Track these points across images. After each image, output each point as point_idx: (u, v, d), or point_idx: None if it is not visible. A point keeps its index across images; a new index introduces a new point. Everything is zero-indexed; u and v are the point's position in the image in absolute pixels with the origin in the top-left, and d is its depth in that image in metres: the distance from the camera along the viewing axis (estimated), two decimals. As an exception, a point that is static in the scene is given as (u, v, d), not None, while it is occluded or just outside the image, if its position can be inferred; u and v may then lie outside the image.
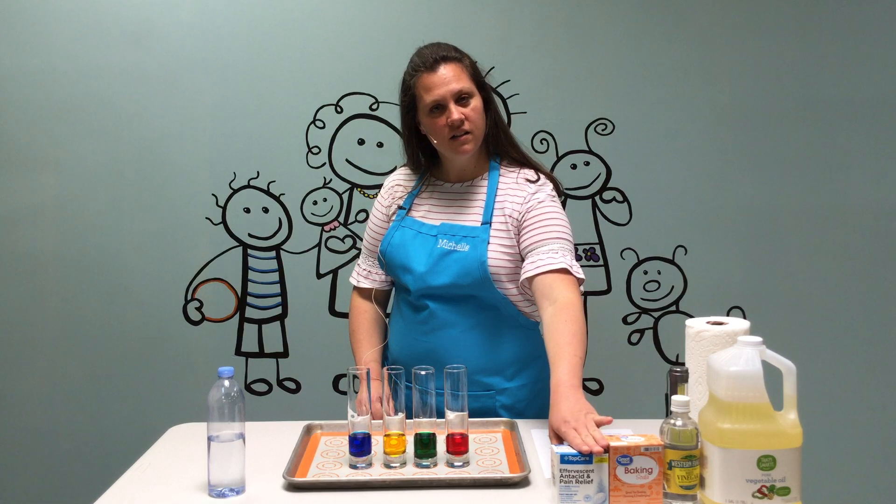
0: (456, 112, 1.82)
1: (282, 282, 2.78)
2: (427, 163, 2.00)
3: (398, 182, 2.04)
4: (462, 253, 1.86)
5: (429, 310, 1.89)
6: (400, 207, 1.99)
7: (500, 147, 1.96)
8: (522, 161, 1.96)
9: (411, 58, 1.90)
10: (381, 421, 1.61)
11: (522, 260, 1.86)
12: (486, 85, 1.91)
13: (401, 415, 1.60)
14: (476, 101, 1.86)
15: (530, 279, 1.81)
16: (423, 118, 1.88)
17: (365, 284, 2.06)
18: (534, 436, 1.74)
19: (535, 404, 1.94)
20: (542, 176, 1.93)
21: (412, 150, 1.98)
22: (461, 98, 1.84)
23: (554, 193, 1.91)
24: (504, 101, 2.71)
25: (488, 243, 1.85)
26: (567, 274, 1.78)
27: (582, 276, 1.81)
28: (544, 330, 1.76)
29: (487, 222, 1.88)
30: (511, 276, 1.87)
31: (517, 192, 1.90)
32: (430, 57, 1.84)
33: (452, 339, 1.88)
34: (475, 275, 1.84)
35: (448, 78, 1.83)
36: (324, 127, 2.74)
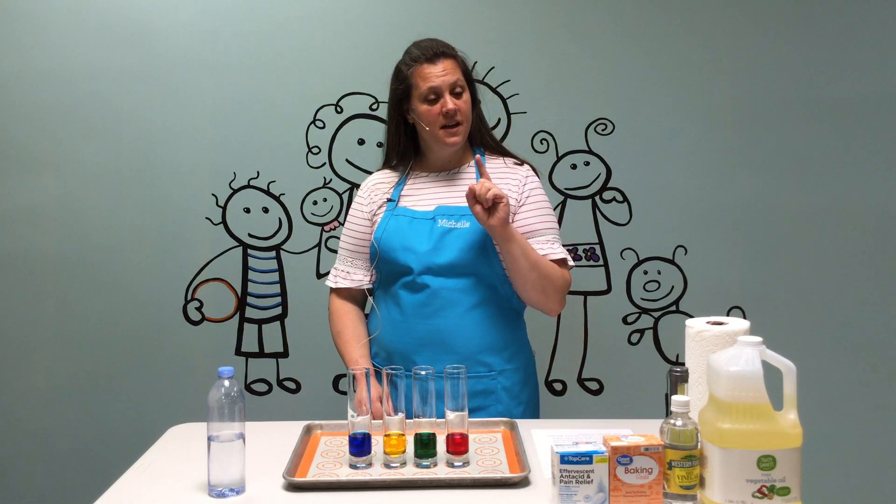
0: (451, 102, 1.93)
1: (282, 282, 2.78)
2: (409, 157, 2.08)
3: (379, 181, 2.11)
4: (464, 229, 1.93)
5: (430, 289, 1.93)
6: (389, 200, 2.03)
7: (483, 140, 2.08)
8: (501, 152, 2.09)
9: (408, 49, 2.01)
10: (381, 421, 1.61)
11: None
12: (473, 81, 2.04)
13: (401, 415, 1.60)
14: (467, 96, 1.98)
15: None
16: (416, 105, 1.97)
17: (344, 285, 2.09)
18: (534, 436, 1.75)
19: (527, 390, 2.03)
20: (524, 162, 2.07)
21: (398, 139, 2.06)
22: (455, 90, 1.95)
23: (539, 181, 2.06)
24: (504, 101, 2.71)
25: None
26: (562, 264, 1.96)
27: (573, 263, 2.00)
28: None
29: None
30: None
31: (509, 173, 2.01)
32: (431, 50, 1.96)
33: (456, 317, 1.93)
34: (479, 248, 1.91)
35: (446, 71, 1.95)
36: (324, 127, 2.74)
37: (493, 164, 2.03)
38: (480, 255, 1.92)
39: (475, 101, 2.03)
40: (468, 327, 1.93)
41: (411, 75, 1.97)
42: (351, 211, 2.11)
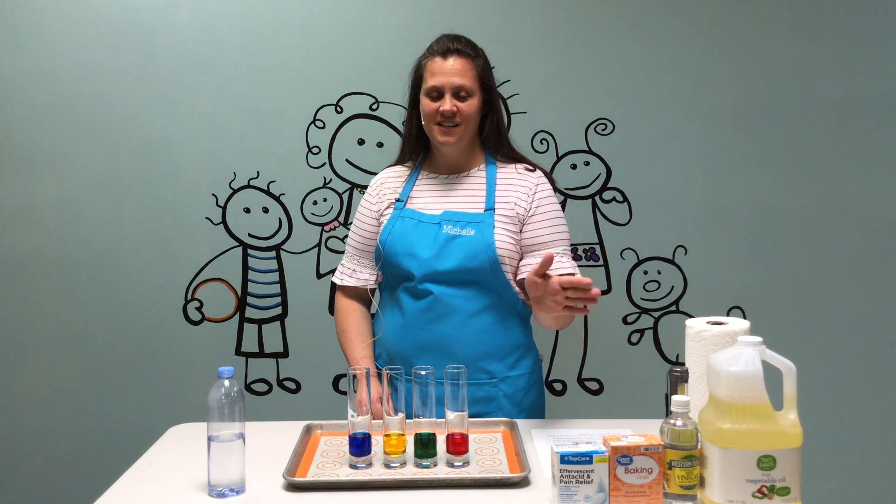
0: (449, 103, 1.91)
1: (282, 282, 2.78)
2: (420, 151, 2.06)
3: (388, 178, 2.09)
4: (468, 237, 1.91)
5: (433, 296, 1.92)
6: (397, 200, 2.02)
7: (498, 147, 2.03)
8: (516, 159, 2.04)
9: (435, 39, 1.98)
10: (381, 421, 1.61)
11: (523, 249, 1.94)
12: (491, 89, 1.99)
13: (401, 415, 1.60)
14: (473, 101, 1.94)
15: None
16: (421, 97, 1.96)
17: (349, 283, 2.08)
18: (534, 436, 1.74)
19: (531, 396, 2.00)
20: (537, 168, 2.02)
21: (411, 130, 2.04)
22: (460, 93, 1.92)
23: (551, 188, 2.01)
24: (504, 101, 2.71)
25: (494, 228, 1.91)
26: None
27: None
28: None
29: (491, 208, 1.93)
30: (513, 262, 1.93)
31: (519, 181, 1.98)
32: (446, 46, 1.94)
33: (458, 324, 1.91)
34: (482, 258, 1.89)
35: (454, 71, 1.92)
36: (324, 127, 2.74)
37: (504, 172, 1.99)
38: (484, 263, 1.89)
39: (490, 108, 1.98)
40: (470, 334, 1.91)
41: (423, 67, 1.96)
42: (359, 208, 2.10)
